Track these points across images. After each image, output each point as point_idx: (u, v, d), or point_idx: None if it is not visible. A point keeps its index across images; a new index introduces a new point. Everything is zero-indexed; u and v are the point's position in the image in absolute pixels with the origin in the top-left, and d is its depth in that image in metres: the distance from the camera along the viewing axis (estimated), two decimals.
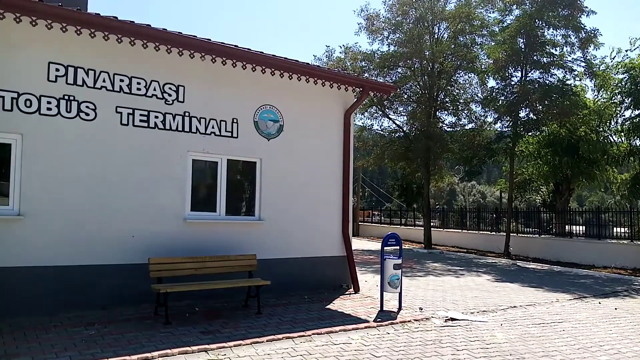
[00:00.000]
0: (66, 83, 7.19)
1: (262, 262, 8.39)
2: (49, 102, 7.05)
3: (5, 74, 6.76)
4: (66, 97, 7.19)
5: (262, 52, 8.55)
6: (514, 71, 20.62)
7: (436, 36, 22.42)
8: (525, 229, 21.97)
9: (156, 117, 7.96)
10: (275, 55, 8.69)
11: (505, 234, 20.22)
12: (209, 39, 7.93)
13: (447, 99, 23.05)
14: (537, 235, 20.65)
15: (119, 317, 7.05)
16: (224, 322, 6.97)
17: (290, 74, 8.99)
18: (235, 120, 8.80)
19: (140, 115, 7.81)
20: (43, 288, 6.96)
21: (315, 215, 9.69)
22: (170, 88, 8.10)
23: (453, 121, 23.57)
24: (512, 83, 20.57)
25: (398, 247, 8.63)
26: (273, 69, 8.78)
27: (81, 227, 7.28)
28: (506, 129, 21.43)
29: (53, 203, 7.09)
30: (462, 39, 22.06)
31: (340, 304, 8.59)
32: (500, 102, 20.44)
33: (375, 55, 22.24)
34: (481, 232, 23.47)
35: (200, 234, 8.35)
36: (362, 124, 23.27)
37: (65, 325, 6.56)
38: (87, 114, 7.36)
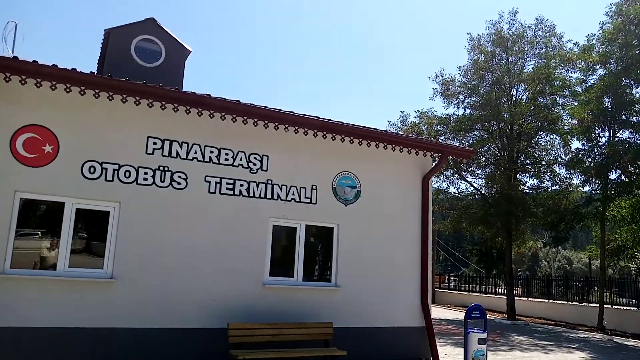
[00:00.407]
0: (162, 155, 7.77)
1: (338, 331, 8.27)
2: (145, 173, 7.63)
3: (110, 147, 7.44)
4: (161, 168, 7.75)
5: (342, 122, 8.82)
6: (601, 131, 19.66)
7: (514, 98, 22.04)
8: (620, 300, 20.07)
9: (241, 185, 8.34)
10: (354, 125, 8.93)
11: (597, 305, 18.56)
12: (293, 112, 8.33)
13: (528, 161, 22.25)
14: (635, 308, 18.78)
15: None
16: None
17: (369, 141, 9.17)
18: (314, 187, 9.01)
19: (227, 183, 8.22)
20: (131, 348, 7.22)
21: (393, 283, 9.48)
22: (255, 158, 8.51)
23: (535, 184, 22.59)
24: (600, 144, 19.57)
25: (482, 320, 8.19)
26: (352, 137, 9.01)
27: (166, 291, 7.57)
28: (595, 192, 20.19)
29: (142, 267, 7.48)
30: (542, 100, 21.52)
31: None
32: (587, 164, 19.43)
33: (451, 119, 22.17)
34: (570, 302, 21.73)
35: (277, 299, 8.41)
36: (437, 187, 22.92)
37: None
38: (179, 183, 7.86)
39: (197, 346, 7.60)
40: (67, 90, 6.86)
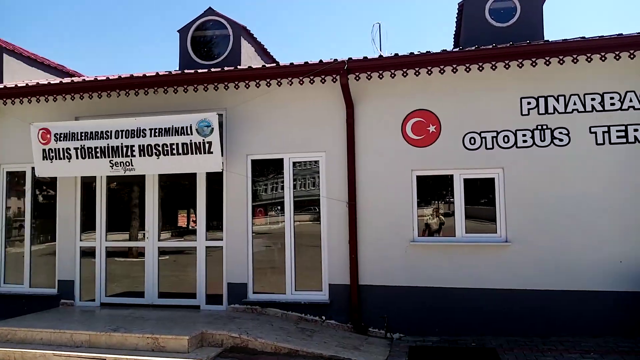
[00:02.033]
0: (538, 114, 7.48)
1: None
2: (524, 135, 7.50)
3: (486, 116, 7.62)
4: (539, 127, 7.47)
5: None
6: None
7: None
8: None
9: (636, 130, 7.20)
10: None
11: None
12: None
13: None
14: None
15: (615, 348, 6.60)
16: None
17: None
18: None
19: (617, 131, 7.25)
20: (534, 311, 7.31)
21: None
22: None
23: None
24: None
25: None
26: None
27: (560, 252, 7.29)
28: None
29: (534, 229, 7.41)
30: None
31: None
32: None
33: None
34: None
35: None
36: None
37: (559, 349, 6.65)
38: (561, 140, 7.40)
39: (605, 310, 7.10)
40: (441, 71, 7.40)
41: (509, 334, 7.32)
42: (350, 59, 7.47)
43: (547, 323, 7.27)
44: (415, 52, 7.29)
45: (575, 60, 7.10)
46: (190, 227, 8.84)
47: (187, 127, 7.83)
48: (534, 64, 7.20)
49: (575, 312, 7.21)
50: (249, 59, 10.31)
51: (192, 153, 7.87)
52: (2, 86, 9.23)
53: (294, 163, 8.34)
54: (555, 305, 7.27)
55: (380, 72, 7.61)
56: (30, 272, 9.36)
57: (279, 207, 8.41)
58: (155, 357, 6.39)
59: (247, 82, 8.17)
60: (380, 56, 7.60)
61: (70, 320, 7.69)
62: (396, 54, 7.48)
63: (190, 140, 7.84)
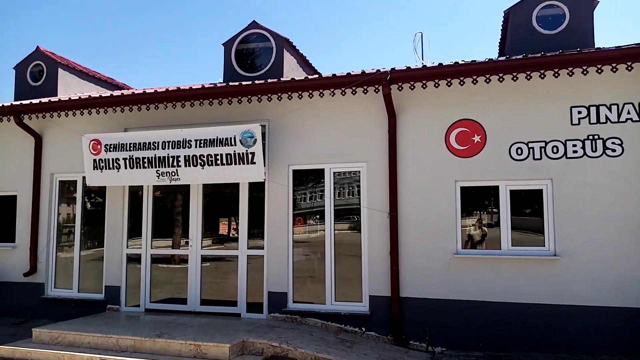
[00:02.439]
0: (589, 123, 7.21)
1: None
2: (574, 145, 7.24)
3: (534, 126, 7.41)
4: (590, 137, 7.20)
5: None
6: None
7: None
8: None
9: None
10: None
11: None
12: None
13: None
14: None
15: None
16: None
17: None
18: None
19: None
20: (583, 328, 7.01)
21: None
22: None
23: None
24: None
25: None
26: None
27: (614, 267, 6.97)
28: None
29: (583, 243, 7.11)
30: None
31: None
32: None
33: None
34: None
35: None
36: None
37: None
38: (613, 150, 7.10)
39: None
40: (487, 80, 7.25)
41: (556, 351, 7.04)
42: (393, 69, 7.43)
43: (597, 341, 6.95)
44: (460, 62, 7.19)
45: (629, 68, 6.80)
46: (231, 235, 8.96)
47: (231, 138, 7.97)
48: (585, 72, 6.95)
49: (628, 331, 6.87)
50: (291, 70, 10.41)
51: (235, 163, 8.00)
52: (57, 99, 9.64)
53: (335, 173, 8.34)
54: (607, 322, 6.94)
55: (424, 82, 7.51)
56: (79, 278, 9.70)
57: (317, 216, 8.41)
58: None
59: (289, 93, 8.24)
60: (424, 66, 7.52)
61: (116, 326, 7.90)
62: (440, 64, 7.39)
63: (234, 151, 7.97)
